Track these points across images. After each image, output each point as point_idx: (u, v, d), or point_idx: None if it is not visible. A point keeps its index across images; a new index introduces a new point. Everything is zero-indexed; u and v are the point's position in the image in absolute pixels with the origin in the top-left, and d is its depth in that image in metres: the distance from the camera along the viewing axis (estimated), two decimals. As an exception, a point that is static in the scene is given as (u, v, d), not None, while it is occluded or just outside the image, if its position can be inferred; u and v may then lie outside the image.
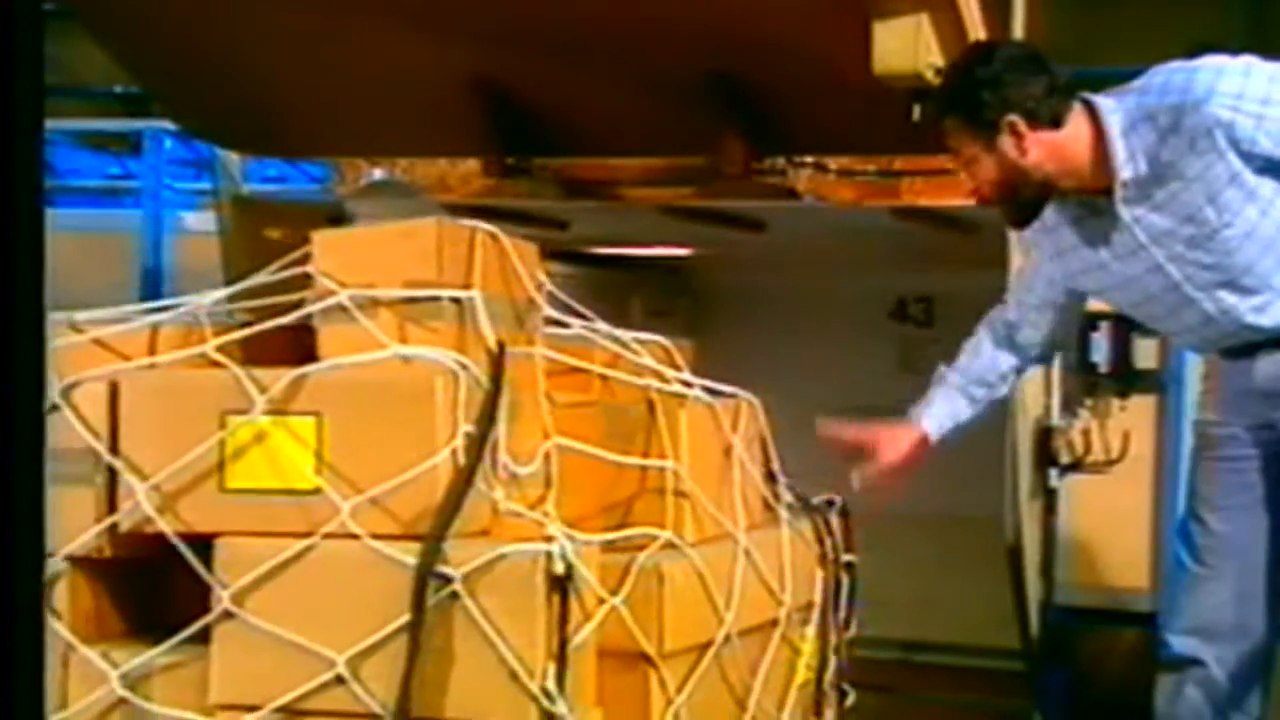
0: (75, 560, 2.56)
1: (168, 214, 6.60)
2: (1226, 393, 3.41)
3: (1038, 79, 3.12)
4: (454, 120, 4.60)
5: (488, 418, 2.46)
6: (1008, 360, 3.53)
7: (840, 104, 4.02)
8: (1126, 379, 4.54)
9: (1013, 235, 3.68)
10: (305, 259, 2.61)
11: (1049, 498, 4.44)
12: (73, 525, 2.54)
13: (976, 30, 3.65)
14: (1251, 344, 3.27)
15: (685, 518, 2.79)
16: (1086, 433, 4.48)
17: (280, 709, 2.40)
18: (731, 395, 3.01)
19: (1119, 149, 3.12)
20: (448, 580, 2.34)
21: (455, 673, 2.35)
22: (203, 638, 2.48)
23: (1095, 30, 8.53)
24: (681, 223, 4.73)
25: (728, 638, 2.76)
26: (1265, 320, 3.21)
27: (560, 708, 2.33)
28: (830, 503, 3.29)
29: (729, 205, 4.64)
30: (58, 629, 2.52)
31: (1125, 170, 3.13)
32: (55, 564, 2.54)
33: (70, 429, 2.52)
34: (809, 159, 4.89)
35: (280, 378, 2.46)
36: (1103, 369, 4.53)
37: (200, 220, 5.88)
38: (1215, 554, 3.40)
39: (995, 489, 4.38)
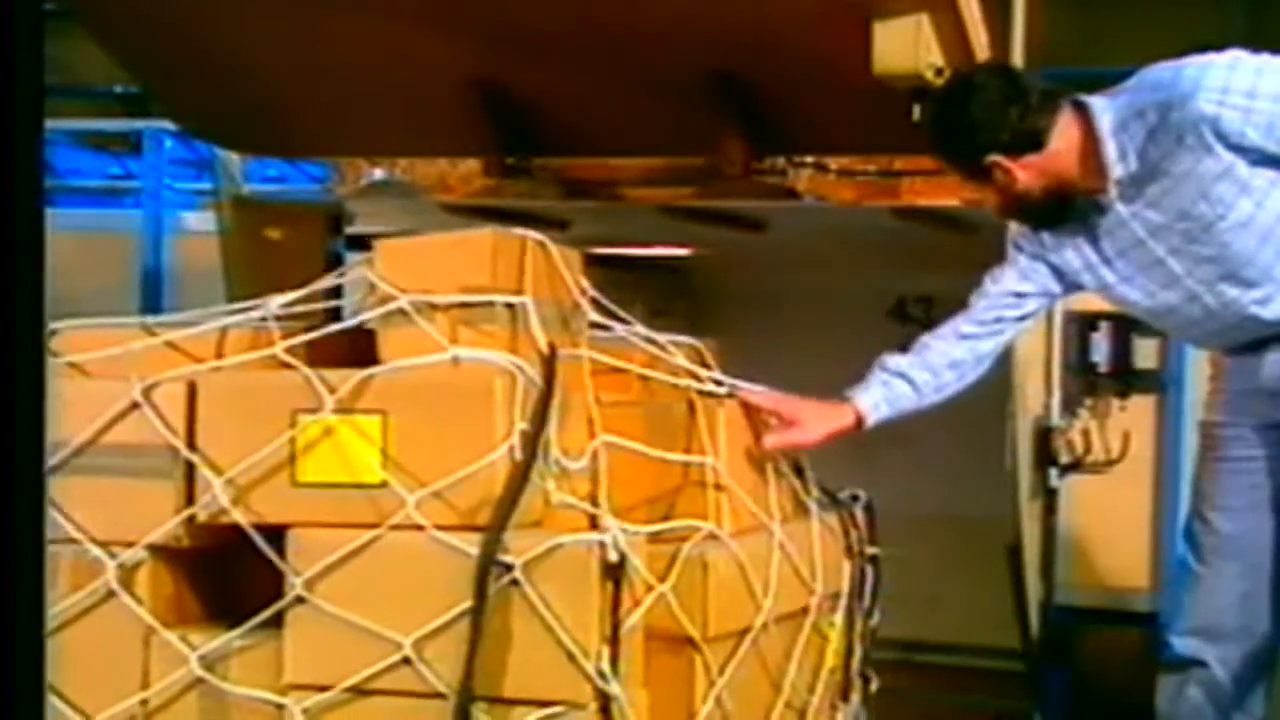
0: (155, 549, 2.73)
1: (168, 214, 6.59)
2: (1232, 393, 3.41)
3: (1013, 109, 3.16)
4: (454, 120, 4.60)
5: (541, 416, 2.61)
6: (958, 349, 3.36)
7: (840, 104, 4.01)
8: (1126, 379, 4.53)
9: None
10: (366, 263, 2.82)
11: (1049, 498, 4.44)
12: (153, 516, 2.71)
13: (977, 30, 3.65)
14: (1259, 339, 3.27)
15: (724, 510, 2.94)
16: (1086, 433, 4.47)
17: (350, 689, 2.56)
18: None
19: (1110, 149, 3.15)
20: (508, 568, 2.50)
21: (515, 654, 2.51)
22: (276, 622, 2.64)
23: (1095, 30, 8.53)
24: (682, 223, 4.72)
25: (765, 624, 2.91)
26: (1268, 313, 3.21)
27: (614, 688, 2.50)
28: (855, 498, 3.42)
29: (729, 205, 4.63)
30: (139, 613, 2.71)
31: (1117, 169, 3.16)
32: (137, 553, 2.72)
33: (150, 426, 2.71)
34: (809, 159, 4.90)
35: (347, 379, 2.64)
36: (1103, 369, 4.52)
37: (200, 220, 5.88)
38: (1219, 554, 3.40)
39: (995, 489, 4.38)
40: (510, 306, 2.71)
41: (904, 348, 3.39)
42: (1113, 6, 9.36)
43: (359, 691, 2.56)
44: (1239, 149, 3.07)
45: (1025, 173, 3.17)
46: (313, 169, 6.84)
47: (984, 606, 4.67)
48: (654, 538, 2.71)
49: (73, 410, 2.73)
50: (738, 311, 5.55)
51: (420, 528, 2.55)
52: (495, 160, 4.77)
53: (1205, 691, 3.42)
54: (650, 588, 2.63)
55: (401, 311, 2.70)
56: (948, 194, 4.79)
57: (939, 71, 3.54)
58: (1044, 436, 4.38)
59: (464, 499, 2.55)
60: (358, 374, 2.64)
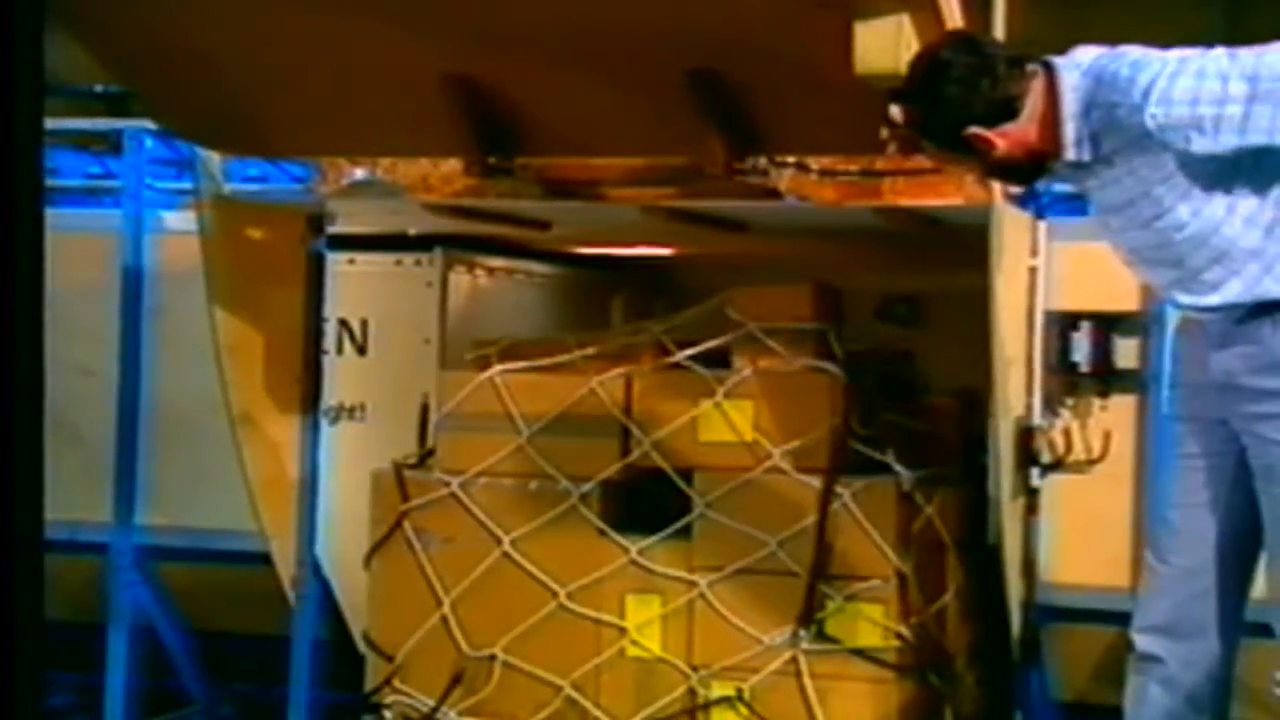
0: (603, 483, 4.40)
1: (148, 214, 6.54)
2: (1187, 390, 3.46)
3: (983, 80, 3.22)
4: (435, 120, 4.58)
5: (848, 401, 4.25)
6: None
7: (822, 103, 4.01)
8: (1107, 378, 4.54)
9: (994, 237, 3.75)
10: (722, 303, 4.43)
11: (1030, 497, 4.44)
12: (602, 461, 4.40)
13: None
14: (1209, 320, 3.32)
15: None
16: (1067, 432, 4.48)
17: (736, 570, 4.22)
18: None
19: (1069, 131, 3.20)
20: (839, 495, 4.14)
21: (843, 548, 4.18)
22: (684, 530, 4.30)
23: (1077, 28, 8.53)
24: (663, 223, 4.72)
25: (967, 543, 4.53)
26: (1186, 298, 3.28)
27: (905, 567, 4.10)
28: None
29: (711, 205, 4.63)
30: (594, 521, 4.38)
31: (1070, 153, 3.21)
32: (591, 485, 4.39)
33: (601, 403, 4.38)
34: (791, 159, 4.89)
35: (728, 376, 4.35)
36: (1083, 368, 4.53)
37: (181, 220, 5.83)
38: (1175, 551, 3.43)
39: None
40: (820, 331, 4.34)
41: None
42: (1093, 5, 9.36)
43: (742, 571, 4.20)
44: (1184, 155, 3.11)
45: (1003, 140, 3.23)
46: (294, 169, 6.80)
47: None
48: (921, 478, 4.27)
49: (540, 395, 4.41)
50: (720, 311, 5.55)
51: (782, 470, 4.22)
52: (477, 160, 4.75)
53: (1165, 689, 3.43)
54: (922, 508, 4.21)
55: (751, 335, 4.33)
56: (930, 193, 4.80)
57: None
58: (1025, 436, 4.38)
59: (808, 452, 4.22)
60: (738, 373, 4.32)
